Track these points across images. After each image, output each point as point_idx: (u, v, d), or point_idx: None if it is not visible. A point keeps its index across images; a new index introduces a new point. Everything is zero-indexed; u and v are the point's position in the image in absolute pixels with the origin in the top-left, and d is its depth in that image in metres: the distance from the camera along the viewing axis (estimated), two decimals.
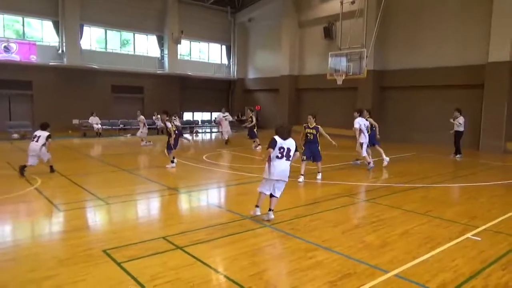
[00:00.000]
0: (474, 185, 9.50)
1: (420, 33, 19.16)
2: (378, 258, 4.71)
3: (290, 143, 5.93)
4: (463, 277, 4.21)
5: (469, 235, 5.63)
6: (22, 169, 9.42)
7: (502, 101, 15.96)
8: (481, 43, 16.71)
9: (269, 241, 5.24)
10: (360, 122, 11.10)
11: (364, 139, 11.10)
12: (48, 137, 9.69)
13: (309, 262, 4.56)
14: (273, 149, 5.86)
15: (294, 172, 10.64)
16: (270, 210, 6.14)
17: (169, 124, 11.21)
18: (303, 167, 9.43)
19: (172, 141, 11.15)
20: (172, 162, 11.12)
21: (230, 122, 19.28)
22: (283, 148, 5.88)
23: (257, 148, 15.82)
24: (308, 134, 9.66)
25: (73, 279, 4.00)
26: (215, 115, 30.18)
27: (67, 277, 4.04)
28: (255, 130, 16.30)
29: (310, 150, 9.57)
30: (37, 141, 9.56)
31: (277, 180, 5.99)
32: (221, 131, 18.22)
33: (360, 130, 11.04)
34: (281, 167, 5.92)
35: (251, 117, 16.55)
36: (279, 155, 5.89)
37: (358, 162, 11.86)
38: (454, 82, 17.92)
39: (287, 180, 6.09)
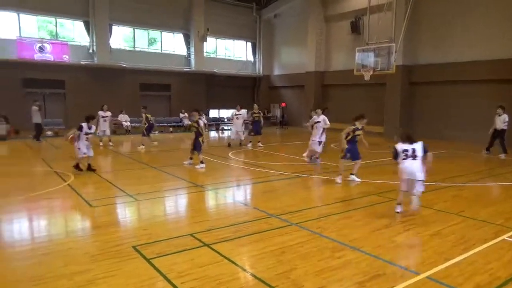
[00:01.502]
0: (510, 184, 9.09)
1: (450, 26, 18.48)
2: (409, 259, 4.59)
3: (415, 145, 6.50)
4: (498, 281, 4.04)
5: (505, 236, 5.40)
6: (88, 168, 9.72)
7: None
8: None
9: (296, 239, 5.20)
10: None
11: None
12: (78, 128, 9.51)
13: (337, 261, 4.49)
14: (396, 158, 6.59)
15: (330, 172, 10.52)
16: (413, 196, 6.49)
17: (201, 123, 11.01)
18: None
19: (202, 140, 10.96)
20: (202, 162, 10.88)
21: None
22: (407, 150, 6.47)
23: (249, 145, 15.47)
24: (357, 136, 9.27)
25: (104, 275, 4.10)
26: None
27: (98, 273, 4.15)
28: (260, 127, 15.92)
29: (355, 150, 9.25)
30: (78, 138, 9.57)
31: (408, 179, 6.47)
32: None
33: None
34: (408, 166, 6.42)
35: (259, 112, 16.16)
36: (404, 157, 6.49)
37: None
38: (486, 77, 17.18)
39: (416, 178, 6.38)
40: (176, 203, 7.60)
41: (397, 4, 17.68)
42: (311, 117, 12.44)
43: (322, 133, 11.56)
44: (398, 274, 4.19)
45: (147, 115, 15.28)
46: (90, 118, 9.90)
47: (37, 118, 16.67)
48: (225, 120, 27.17)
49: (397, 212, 6.53)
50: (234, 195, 8.34)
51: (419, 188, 6.44)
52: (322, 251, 4.80)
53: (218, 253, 4.70)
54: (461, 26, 18.02)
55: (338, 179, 9.06)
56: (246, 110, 16.56)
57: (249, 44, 30.75)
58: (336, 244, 5.04)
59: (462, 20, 17.99)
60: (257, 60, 30.92)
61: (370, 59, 17.48)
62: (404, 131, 6.83)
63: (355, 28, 22.68)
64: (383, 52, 16.96)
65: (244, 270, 4.32)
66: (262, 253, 4.75)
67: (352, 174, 9.30)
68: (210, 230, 5.55)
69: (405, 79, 20.21)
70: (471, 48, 17.67)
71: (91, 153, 9.84)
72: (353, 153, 9.19)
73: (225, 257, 4.57)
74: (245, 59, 30.85)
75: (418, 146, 6.50)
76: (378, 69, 17.11)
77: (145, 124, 15.11)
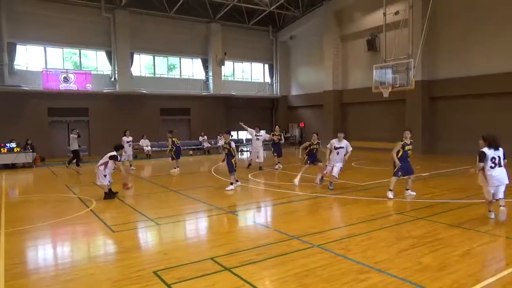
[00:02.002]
0: None
1: (470, 39, 18.25)
2: (437, 281, 4.39)
3: (500, 152, 6.65)
4: None
5: None
6: (109, 193, 9.76)
7: None
8: None
9: (319, 262, 5.07)
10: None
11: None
12: (111, 157, 9.63)
13: (361, 285, 4.34)
14: (483, 162, 6.60)
15: (352, 192, 10.34)
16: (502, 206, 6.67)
17: (233, 144, 11.03)
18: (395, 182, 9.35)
19: (234, 161, 10.96)
20: (237, 181, 11.20)
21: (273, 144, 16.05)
22: (494, 158, 6.56)
23: (278, 167, 15.12)
24: (408, 151, 9.38)
25: None
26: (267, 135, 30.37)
27: None
28: (281, 148, 15.68)
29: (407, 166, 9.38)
30: (101, 165, 9.66)
31: (497, 186, 6.64)
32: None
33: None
34: (497, 175, 6.57)
35: (280, 134, 15.91)
36: (493, 165, 6.59)
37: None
38: (507, 89, 16.77)
39: (507, 182, 6.67)
40: (196, 226, 7.58)
41: (414, 20, 17.66)
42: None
43: (343, 158, 10.66)
44: None
45: (174, 139, 15.43)
46: (120, 148, 10.19)
47: (74, 145, 17.40)
48: (244, 141, 27.29)
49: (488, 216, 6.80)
50: (254, 217, 8.26)
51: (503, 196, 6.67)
52: (346, 274, 4.66)
53: (239, 277, 4.62)
54: (479, 39, 17.79)
55: (390, 195, 9.10)
56: (264, 131, 16.16)
57: (266, 65, 31.12)
58: (361, 266, 4.88)
59: (480, 32, 17.77)
60: (274, 81, 31.19)
61: (388, 75, 17.37)
62: (492, 135, 6.79)
63: (372, 45, 22.70)
64: (401, 68, 16.85)
65: None
66: (285, 276, 4.64)
67: (407, 189, 9.53)
68: (231, 254, 5.48)
69: (425, 94, 19.95)
70: (491, 60, 17.36)
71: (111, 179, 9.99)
72: (405, 170, 9.30)
73: (246, 281, 4.49)
74: (263, 81, 31.17)
75: (501, 153, 6.65)
76: (397, 85, 16.96)
77: (172, 148, 15.25)
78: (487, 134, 6.89)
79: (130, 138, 16.75)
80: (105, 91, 23.29)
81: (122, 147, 10.68)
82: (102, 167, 9.66)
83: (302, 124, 29.10)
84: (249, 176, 13.36)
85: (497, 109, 17.38)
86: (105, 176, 9.66)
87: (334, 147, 10.60)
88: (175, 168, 15.12)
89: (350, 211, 8.16)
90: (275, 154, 15.58)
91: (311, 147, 11.46)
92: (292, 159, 19.21)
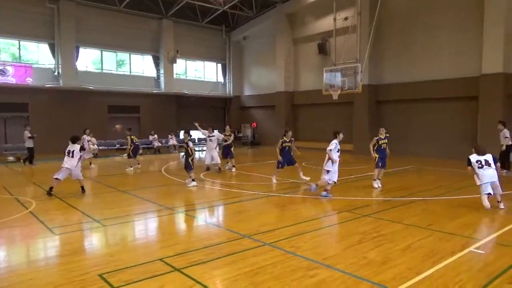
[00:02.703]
0: (473, 197, 9.42)
1: (413, 46, 19.40)
2: (381, 275, 4.60)
3: (486, 156, 8.26)
4: None
5: (472, 248, 5.55)
6: (49, 190, 9.71)
7: (496, 113, 16.01)
8: (474, 56, 16.90)
9: (269, 260, 5.13)
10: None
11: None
12: (81, 149, 10.03)
13: (311, 280, 4.45)
14: (470, 165, 8.32)
15: (301, 191, 10.52)
16: (499, 202, 8.15)
17: (190, 144, 11.26)
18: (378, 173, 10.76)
19: (191, 160, 11.11)
20: (193, 180, 11.15)
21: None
22: (480, 161, 8.19)
23: (232, 170, 14.37)
24: (382, 144, 10.85)
25: None
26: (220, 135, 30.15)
27: None
28: (231, 149, 14.72)
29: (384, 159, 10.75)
30: (72, 156, 9.76)
31: (489, 182, 8.04)
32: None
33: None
34: (486, 173, 8.06)
35: (230, 134, 15.07)
36: (480, 166, 8.17)
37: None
38: (449, 95, 18.06)
39: (496, 180, 8.07)
40: (145, 227, 7.36)
41: (361, 26, 18.42)
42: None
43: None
44: None
45: (132, 136, 15.36)
46: (77, 139, 10.21)
47: (29, 143, 16.52)
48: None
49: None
50: (206, 216, 8.18)
51: (498, 190, 8.14)
52: (295, 271, 4.75)
53: (190, 277, 4.55)
54: (424, 46, 18.93)
55: (376, 184, 10.60)
56: (217, 130, 15.37)
57: (219, 65, 30.98)
58: (310, 263, 5.00)
59: (424, 40, 18.91)
60: (227, 81, 31.14)
61: (337, 79, 17.98)
62: (479, 145, 8.73)
63: (322, 49, 23.37)
64: (349, 72, 17.51)
65: None
66: (236, 275, 4.64)
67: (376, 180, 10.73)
68: (181, 254, 5.38)
69: (371, 97, 20.88)
70: (433, 67, 18.55)
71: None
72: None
73: (197, 282, 4.43)
74: (216, 80, 31.01)
75: (489, 157, 8.25)
76: (346, 88, 17.61)
77: (131, 146, 15.07)
78: (475, 145, 8.87)
79: (90, 137, 17.05)
80: (47, 85, 21.94)
81: (79, 138, 10.65)
82: (78, 162, 9.85)
83: (254, 125, 29.31)
84: (201, 175, 13.21)
85: (437, 113, 18.61)
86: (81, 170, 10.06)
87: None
88: (131, 167, 14.81)
89: (300, 209, 8.34)
90: (229, 156, 14.79)
91: (284, 145, 11.43)
92: (243, 159, 19.31)
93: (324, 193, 9.33)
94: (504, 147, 13.22)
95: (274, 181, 11.67)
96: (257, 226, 6.78)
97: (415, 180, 11.88)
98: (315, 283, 4.39)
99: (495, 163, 8.27)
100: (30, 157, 16.64)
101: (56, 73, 22.64)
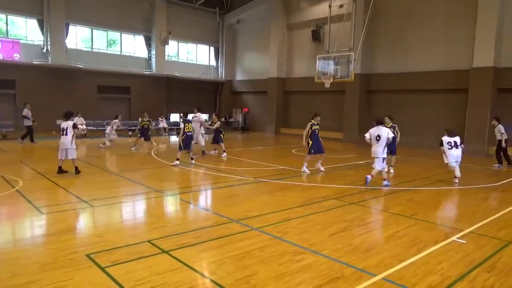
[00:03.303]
0: (458, 188, 9.63)
1: (406, 38, 19.42)
2: (366, 261, 4.71)
3: (456, 138, 9.91)
4: (449, 280, 4.24)
5: (454, 238, 5.69)
6: (59, 169, 9.77)
7: (485, 106, 16.26)
8: (466, 49, 17.02)
9: (257, 244, 5.20)
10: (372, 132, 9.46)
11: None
12: (74, 126, 9.85)
13: (297, 265, 4.53)
14: (442, 146, 9.97)
15: (291, 177, 10.61)
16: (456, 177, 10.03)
17: (181, 124, 11.92)
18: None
19: (180, 140, 11.81)
20: (177, 160, 11.67)
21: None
22: (450, 142, 9.85)
23: (223, 155, 14.12)
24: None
25: (54, 285, 3.88)
26: (203, 116, 30.00)
27: (48, 283, 3.92)
28: (221, 135, 14.50)
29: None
30: (66, 134, 9.65)
31: (454, 161, 9.92)
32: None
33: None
34: (454, 153, 9.86)
35: (215, 122, 14.86)
36: (449, 147, 9.85)
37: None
38: (439, 87, 18.21)
39: (460, 160, 10.00)
40: (134, 209, 7.37)
41: (356, 14, 18.36)
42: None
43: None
44: (355, 276, 4.29)
45: (144, 119, 15.90)
46: (71, 115, 10.21)
47: (27, 121, 16.61)
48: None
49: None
50: (194, 200, 8.21)
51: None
52: (282, 255, 4.82)
53: (177, 259, 4.60)
54: (417, 38, 18.97)
55: (306, 169, 10.91)
56: (199, 113, 15.02)
57: (212, 48, 30.66)
58: (296, 248, 5.08)
59: (418, 31, 18.95)
60: (219, 65, 30.86)
61: (330, 67, 17.96)
62: (451, 129, 10.21)
63: (316, 36, 23.26)
64: (342, 60, 17.49)
65: (204, 276, 4.25)
66: (223, 258, 4.70)
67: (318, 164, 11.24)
68: (169, 237, 5.42)
69: (363, 87, 20.94)
70: (425, 59, 18.64)
71: None
72: (317, 148, 10.91)
73: (185, 264, 4.48)
74: (208, 64, 30.71)
75: (458, 139, 9.85)
76: (338, 76, 17.61)
77: (148, 127, 15.94)
78: (448, 128, 10.32)
79: (78, 117, 17.95)
80: (35, 62, 21.50)
81: (72, 113, 10.61)
82: (72, 140, 9.69)
83: (245, 110, 29.23)
84: (190, 159, 13.19)
85: (427, 104, 18.79)
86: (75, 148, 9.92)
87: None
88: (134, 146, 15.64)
89: (288, 195, 8.41)
90: (213, 140, 14.75)
91: (313, 128, 10.87)
92: (234, 144, 19.32)
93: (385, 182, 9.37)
94: (503, 143, 13.12)
95: (307, 171, 10.94)
96: (245, 211, 6.84)
97: (402, 170, 12.05)
98: (301, 267, 4.47)
99: (461, 144, 9.96)
100: (30, 135, 16.67)
101: (44, 50, 22.18)
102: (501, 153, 13.39)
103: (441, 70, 17.99)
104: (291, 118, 26.08)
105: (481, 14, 16.26)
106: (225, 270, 4.36)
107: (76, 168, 9.96)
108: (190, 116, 13.21)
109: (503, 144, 13.17)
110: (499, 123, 13.30)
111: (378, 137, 9.05)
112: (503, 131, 13.13)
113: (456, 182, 9.92)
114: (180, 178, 10.44)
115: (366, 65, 20.71)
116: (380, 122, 9.38)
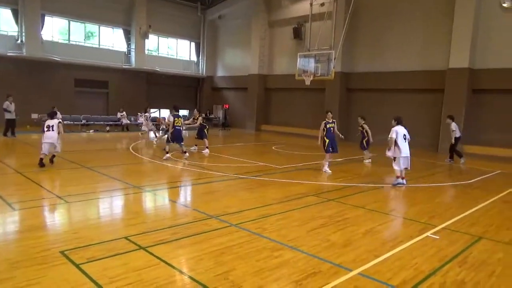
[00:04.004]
0: (433, 185, 9.87)
1: (386, 38, 19.73)
2: (342, 256, 4.77)
3: (406, 131, 9.02)
4: (422, 275, 4.35)
5: (428, 233, 5.83)
6: (41, 161, 9.83)
7: (460, 106, 16.70)
8: (442, 50, 17.43)
9: (235, 240, 5.19)
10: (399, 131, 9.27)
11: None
12: (59, 122, 10.36)
13: (275, 261, 4.55)
14: (396, 137, 8.95)
15: (269, 174, 10.64)
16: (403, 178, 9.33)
17: (171, 118, 12.06)
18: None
19: (169, 133, 12.15)
20: (167, 153, 12.07)
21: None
22: (405, 134, 8.96)
23: (204, 151, 13.94)
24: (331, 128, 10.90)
25: (26, 283, 3.78)
26: (183, 112, 29.72)
27: (20, 281, 3.81)
28: (205, 130, 14.35)
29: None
30: (53, 130, 10.07)
31: (406, 156, 8.94)
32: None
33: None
34: (406, 147, 8.94)
35: (197, 118, 14.71)
36: (404, 139, 8.97)
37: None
38: (416, 86, 18.60)
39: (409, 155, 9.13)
40: (110, 205, 7.24)
41: (337, 13, 18.50)
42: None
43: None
44: (332, 271, 4.34)
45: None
46: (54, 114, 10.71)
47: (9, 115, 16.36)
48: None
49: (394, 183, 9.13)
50: (173, 196, 8.14)
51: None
52: (260, 251, 4.84)
53: (155, 256, 4.55)
54: (396, 38, 19.30)
55: (327, 169, 10.83)
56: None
57: (193, 44, 30.37)
58: (275, 244, 5.11)
59: (397, 32, 19.27)
60: (200, 60, 30.62)
61: (311, 64, 18.07)
62: (401, 117, 9.29)
63: (297, 34, 23.35)
64: (323, 58, 17.63)
65: (182, 272, 4.22)
66: (201, 254, 4.68)
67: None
68: (147, 233, 5.35)
69: (343, 85, 21.18)
70: (403, 59, 18.99)
71: None
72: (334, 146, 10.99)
73: (162, 260, 4.43)
74: (188, 59, 30.42)
75: (407, 132, 9.02)
76: (318, 74, 17.74)
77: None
78: (398, 116, 9.40)
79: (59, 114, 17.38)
80: (9, 54, 20.80)
81: (56, 113, 11.25)
82: (56, 134, 10.04)
83: (226, 106, 29.13)
84: (169, 155, 13.07)
85: (404, 103, 19.14)
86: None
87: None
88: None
89: (267, 192, 8.44)
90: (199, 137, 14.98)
91: (327, 126, 10.84)
92: (215, 140, 19.23)
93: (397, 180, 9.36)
94: (453, 140, 14.12)
95: (328, 170, 10.81)
96: (224, 207, 6.82)
97: (379, 168, 12.27)
98: (279, 263, 4.50)
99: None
100: (11, 128, 16.41)
101: (19, 41, 21.47)
102: (453, 149, 14.36)
103: (418, 70, 18.37)
104: (272, 115, 26.15)
105: (458, 16, 16.67)
106: (203, 266, 4.35)
107: (53, 157, 10.28)
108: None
109: (453, 141, 14.15)
110: (453, 121, 14.14)
111: (405, 136, 9.03)
112: (454, 128, 14.02)
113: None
114: (159, 174, 10.33)
115: (346, 64, 20.94)
116: (401, 121, 9.31)
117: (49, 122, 10.20)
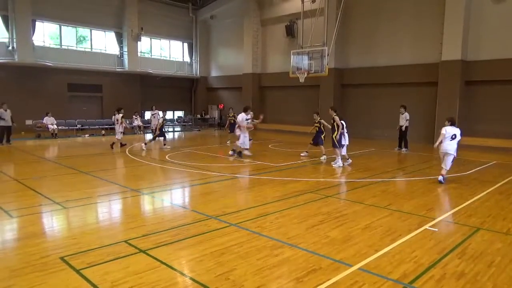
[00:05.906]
0: (430, 178, 9.92)
1: (378, 32, 19.78)
2: (342, 252, 4.80)
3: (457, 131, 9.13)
4: (422, 267, 4.38)
5: (427, 226, 5.87)
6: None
7: (454, 99, 16.79)
8: (435, 43, 17.50)
9: (235, 240, 5.20)
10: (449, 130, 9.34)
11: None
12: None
13: (275, 259, 4.57)
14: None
15: (267, 173, 10.64)
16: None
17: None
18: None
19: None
20: (165, 145, 14.44)
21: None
22: (455, 134, 9.06)
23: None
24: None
25: None
26: (178, 113, 29.71)
27: None
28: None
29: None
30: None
31: (443, 152, 9.21)
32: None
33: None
34: (448, 145, 9.05)
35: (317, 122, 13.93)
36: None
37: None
38: (410, 80, 18.67)
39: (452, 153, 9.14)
40: (109, 209, 7.22)
41: (329, 9, 18.55)
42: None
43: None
44: (332, 267, 4.36)
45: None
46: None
47: (5, 122, 16.35)
48: (167, 122, 26.38)
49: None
50: (171, 198, 8.13)
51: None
52: (260, 250, 4.85)
53: (155, 258, 4.55)
54: (388, 32, 19.36)
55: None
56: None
57: (186, 44, 30.30)
58: (275, 242, 5.12)
59: (389, 26, 19.34)
60: (194, 61, 30.55)
61: (304, 61, 18.11)
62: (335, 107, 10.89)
63: (290, 31, 23.36)
64: (316, 55, 17.67)
65: (183, 274, 4.23)
66: (201, 255, 4.68)
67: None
68: (146, 236, 5.35)
69: (337, 81, 21.22)
70: (396, 53, 19.07)
71: None
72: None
73: (163, 262, 4.43)
74: (182, 60, 30.34)
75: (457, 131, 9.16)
76: (312, 71, 17.79)
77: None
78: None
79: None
80: (1, 61, 20.65)
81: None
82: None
83: (221, 106, 29.10)
84: (166, 157, 13.05)
85: (399, 97, 19.18)
86: None
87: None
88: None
89: (265, 190, 8.45)
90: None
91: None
92: (210, 140, 19.22)
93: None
94: (403, 128, 15.24)
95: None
96: (223, 207, 6.83)
97: (376, 163, 12.32)
98: (279, 261, 4.51)
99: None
100: (6, 135, 16.33)
101: (10, 48, 21.33)
102: (402, 138, 15.34)
103: (411, 64, 18.44)
104: (267, 113, 26.09)
105: (449, 9, 16.74)
106: (204, 267, 4.35)
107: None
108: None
109: (403, 128, 15.19)
110: (405, 110, 15.16)
111: (454, 136, 9.10)
112: (408, 118, 15.04)
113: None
114: (156, 176, 10.31)
115: (340, 60, 20.98)
116: (454, 122, 9.47)
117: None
